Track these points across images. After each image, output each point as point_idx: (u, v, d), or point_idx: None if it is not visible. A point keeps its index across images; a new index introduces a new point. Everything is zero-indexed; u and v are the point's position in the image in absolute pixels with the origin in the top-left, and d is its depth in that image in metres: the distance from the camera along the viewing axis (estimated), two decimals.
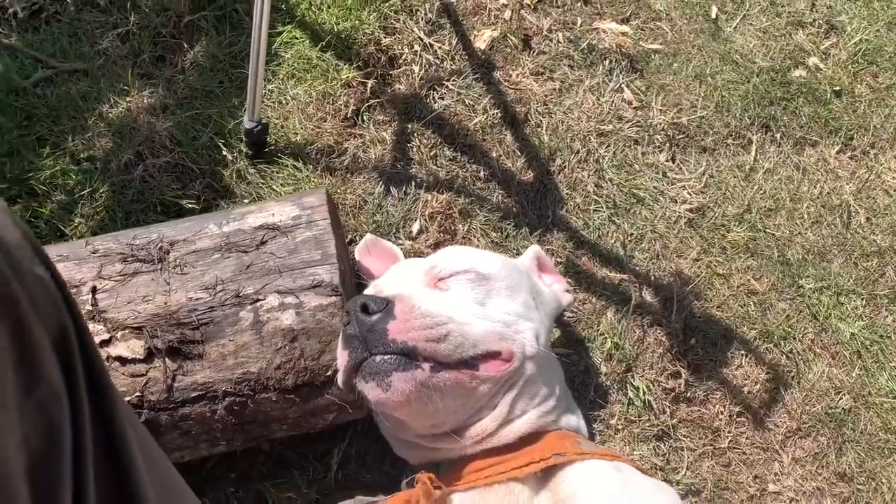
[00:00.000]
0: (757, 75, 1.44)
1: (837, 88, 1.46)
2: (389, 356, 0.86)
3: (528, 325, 0.98)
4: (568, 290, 1.15)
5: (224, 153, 1.35)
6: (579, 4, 1.52)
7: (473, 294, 0.96)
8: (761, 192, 1.36)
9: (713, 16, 1.50)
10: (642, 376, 1.22)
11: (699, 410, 1.21)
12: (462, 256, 1.03)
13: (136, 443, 0.49)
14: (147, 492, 0.47)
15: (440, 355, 0.88)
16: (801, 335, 1.26)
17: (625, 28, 1.50)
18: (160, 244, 1.04)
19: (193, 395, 0.98)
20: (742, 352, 1.24)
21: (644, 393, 1.20)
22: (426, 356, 0.87)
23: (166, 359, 0.97)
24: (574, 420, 1.04)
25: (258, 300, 0.99)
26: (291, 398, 0.99)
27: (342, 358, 0.92)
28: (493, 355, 0.93)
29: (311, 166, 1.35)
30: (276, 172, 1.35)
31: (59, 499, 0.36)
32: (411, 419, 0.93)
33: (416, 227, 1.31)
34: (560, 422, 1.00)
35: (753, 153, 1.39)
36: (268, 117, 1.37)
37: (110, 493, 0.44)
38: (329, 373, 0.98)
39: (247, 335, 0.98)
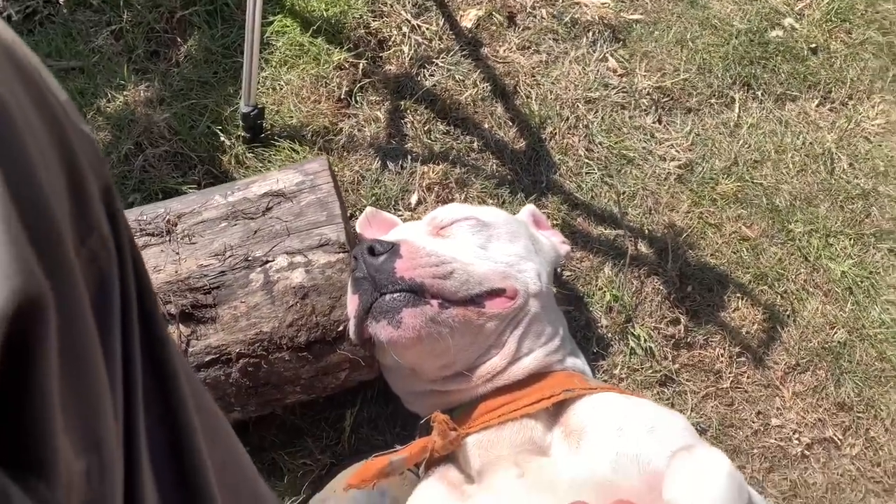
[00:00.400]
0: (736, 37, 1.49)
1: (813, 46, 1.50)
2: (399, 294, 0.89)
3: (530, 265, 1.02)
4: (565, 242, 1.19)
5: (222, 139, 1.38)
6: None
7: (475, 239, 1.00)
8: (747, 145, 1.40)
9: None
10: (642, 325, 1.25)
11: (700, 354, 1.25)
12: (462, 207, 1.07)
13: (183, 373, 0.50)
14: (193, 419, 0.49)
15: (447, 292, 0.91)
16: (793, 276, 1.30)
17: (605, 0, 1.55)
18: (167, 217, 1.07)
19: (208, 358, 1.00)
20: (738, 295, 1.28)
21: (645, 341, 1.23)
22: (433, 293, 0.90)
23: (180, 324, 1.00)
24: (580, 363, 1.07)
25: (267, 262, 1.02)
26: (304, 356, 1.02)
27: (352, 304, 0.95)
28: (498, 293, 0.96)
29: (308, 147, 1.38)
30: (274, 155, 1.38)
31: (112, 350, 0.38)
32: (423, 360, 0.95)
33: (414, 199, 1.34)
34: (566, 362, 1.03)
35: (737, 110, 1.44)
36: (263, 103, 1.40)
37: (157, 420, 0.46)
38: (340, 328, 1.01)
39: (258, 296, 1.01)
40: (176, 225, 1.07)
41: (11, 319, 0.27)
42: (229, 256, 1.02)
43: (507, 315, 0.96)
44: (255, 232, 1.04)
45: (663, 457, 0.84)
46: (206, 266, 1.02)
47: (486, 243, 1.01)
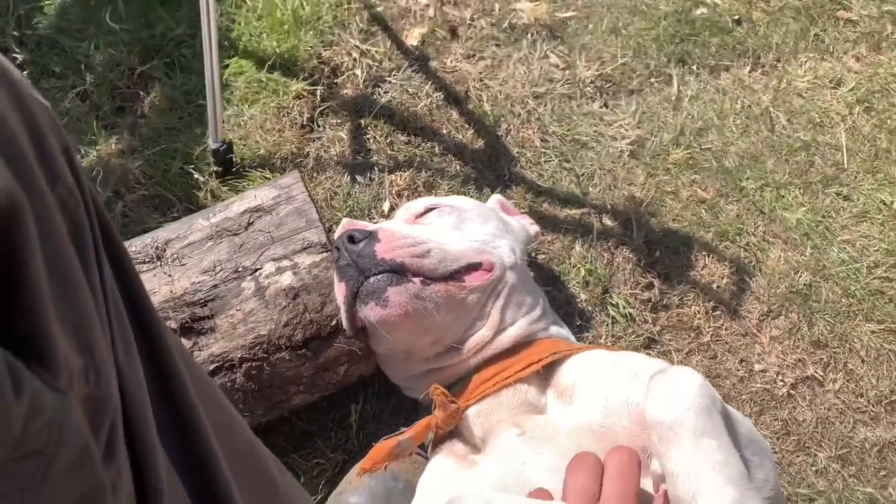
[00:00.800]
0: (664, 19, 1.60)
1: (737, 17, 1.61)
2: (382, 275, 0.95)
3: (504, 241, 1.08)
4: (533, 224, 1.26)
5: (196, 177, 1.44)
6: None
7: (449, 221, 1.07)
8: (690, 116, 1.49)
9: None
10: (619, 293, 1.31)
11: (678, 313, 1.31)
12: (433, 198, 1.13)
13: (166, 328, 0.52)
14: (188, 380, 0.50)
15: (426, 269, 0.97)
16: (753, 229, 1.38)
17: (539, 3, 1.65)
18: (156, 245, 1.12)
19: (212, 367, 1.05)
20: (704, 253, 1.35)
21: (624, 307, 1.29)
22: (414, 271, 0.97)
23: (181, 338, 1.04)
24: (564, 331, 1.13)
25: (256, 270, 1.07)
26: (303, 353, 1.06)
27: (340, 293, 1.00)
28: (475, 267, 1.02)
29: (279, 173, 1.44)
30: (247, 185, 1.44)
31: (93, 281, 0.39)
32: (413, 338, 1.00)
33: (386, 206, 1.40)
34: (550, 330, 1.09)
35: (676, 86, 1.53)
36: (230, 138, 1.46)
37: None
38: (333, 322, 1.06)
39: (252, 302, 1.05)
40: (164, 250, 1.11)
41: None
42: (219, 270, 1.07)
43: (486, 287, 1.02)
44: (241, 246, 1.10)
45: None
46: (198, 282, 1.07)
47: (459, 224, 1.07)
